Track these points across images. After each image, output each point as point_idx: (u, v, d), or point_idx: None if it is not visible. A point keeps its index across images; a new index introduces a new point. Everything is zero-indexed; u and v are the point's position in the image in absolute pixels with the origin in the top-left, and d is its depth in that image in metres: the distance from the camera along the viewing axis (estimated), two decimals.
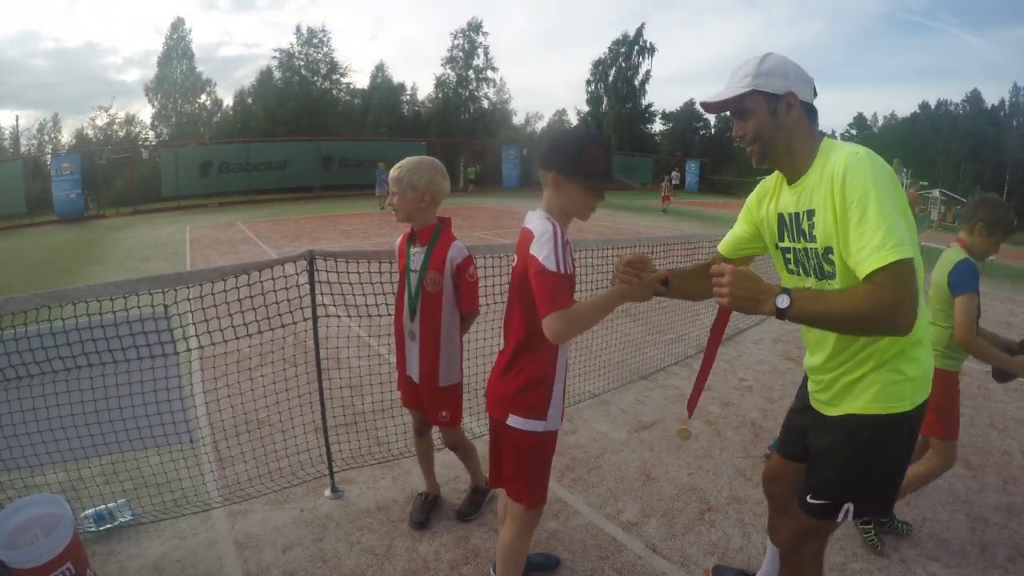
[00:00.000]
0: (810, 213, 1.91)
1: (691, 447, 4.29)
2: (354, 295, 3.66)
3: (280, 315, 3.44)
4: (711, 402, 5.15)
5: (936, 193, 24.77)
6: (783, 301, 1.70)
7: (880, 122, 68.80)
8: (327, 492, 3.51)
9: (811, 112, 1.95)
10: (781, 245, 2.11)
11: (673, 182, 38.01)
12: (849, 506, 2.02)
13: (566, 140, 2.10)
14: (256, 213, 20.61)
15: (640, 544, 3.19)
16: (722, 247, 2.43)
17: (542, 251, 2.00)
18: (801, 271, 2.05)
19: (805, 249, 1.99)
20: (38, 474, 3.27)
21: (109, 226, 18.29)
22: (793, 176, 2.00)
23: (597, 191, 2.11)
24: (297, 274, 3.36)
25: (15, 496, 2.87)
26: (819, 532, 2.14)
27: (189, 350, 3.22)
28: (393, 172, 2.85)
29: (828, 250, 1.88)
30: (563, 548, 3.12)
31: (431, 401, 3.04)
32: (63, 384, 2.91)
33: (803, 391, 2.36)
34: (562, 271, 1.98)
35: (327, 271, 3.44)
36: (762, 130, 1.93)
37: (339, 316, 3.62)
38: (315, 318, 3.35)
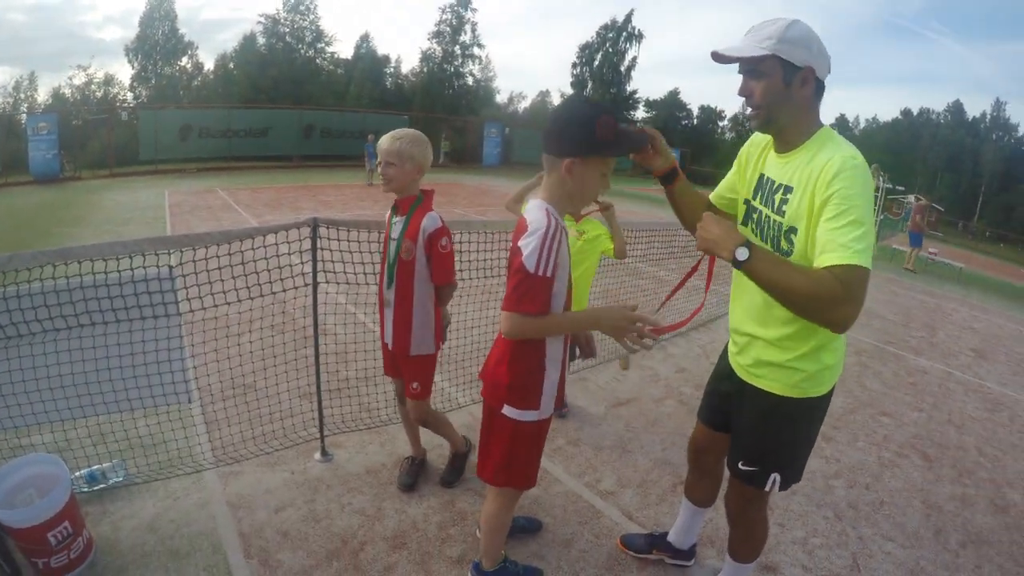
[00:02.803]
0: (787, 189, 1.95)
1: (665, 425, 4.48)
2: (335, 263, 3.69)
3: (271, 282, 3.49)
4: (684, 384, 5.37)
5: (911, 198, 25.26)
6: (742, 254, 1.77)
7: (862, 124, 69.52)
8: (317, 455, 3.61)
9: (820, 90, 1.94)
10: (751, 202, 2.15)
11: None
12: (776, 476, 2.21)
13: (577, 120, 1.99)
14: (236, 180, 20.32)
15: (617, 511, 3.36)
16: (713, 195, 2.45)
17: (527, 247, 2.00)
18: (759, 233, 2.10)
19: (769, 218, 2.03)
20: (34, 433, 3.30)
21: (86, 188, 17.89)
22: (783, 147, 2.01)
23: (605, 177, 2.08)
24: (300, 240, 3.41)
25: (5, 458, 2.91)
26: (759, 499, 2.35)
27: (192, 311, 3.28)
28: (391, 144, 2.85)
29: (792, 230, 1.92)
30: (545, 513, 3.27)
31: (404, 369, 3.14)
32: (64, 343, 2.93)
33: (723, 356, 2.49)
34: (539, 273, 1.98)
35: (327, 238, 3.50)
36: (771, 97, 1.90)
37: (331, 283, 3.69)
38: (315, 285, 3.43)
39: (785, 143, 2.01)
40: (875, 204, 17.53)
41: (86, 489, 3.14)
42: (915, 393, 5.92)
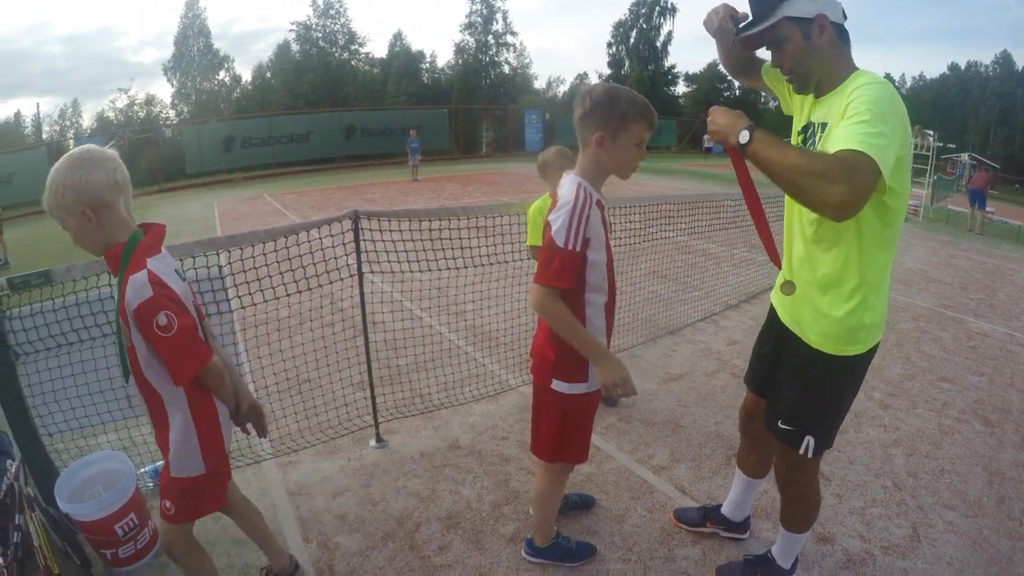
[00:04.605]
0: (823, 126, 2.00)
1: (718, 398, 4.45)
2: (379, 252, 3.79)
3: (317, 275, 3.59)
4: (736, 356, 5.30)
5: (965, 157, 24.32)
6: (744, 137, 1.83)
7: (908, 83, 67.00)
8: (372, 442, 3.70)
9: (843, 33, 1.98)
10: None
11: (705, 145, 37.18)
12: (810, 440, 2.20)
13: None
14: (281, 185, 20.76)
15: (670, 486, 3.36)
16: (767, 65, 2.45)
17: (556, 221, 2.04)
18: None
19: None
20: (99, 434, 3.46)
21: (137, 205, 17.89)
22: (820, 91, 2.06)
23: (641, 147, 2.10)
24: (343, 233, 3.50)
25: (71, 460, 3.02)
26: (806, 465, 2.31)
27: (243, 308, 3.39)
28: (44, 196, 1.86)
29: None
30: (598, 489, 3.30)
31: (161, 484, 2.12)
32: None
33: (768, 317, 2.51)
34: (568, 247, 2.01)
35: (369, 229, 3.57)
36: (799, 56, 1.98)
37: (379, 271, 3.77)
38: (360, 274, 3.50)
39: (822, 88, 2.05)
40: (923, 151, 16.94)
41: (151, 484, 3.26)
42: (976, 357, 5.73)
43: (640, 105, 2.04)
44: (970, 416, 4.42)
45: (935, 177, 17.70)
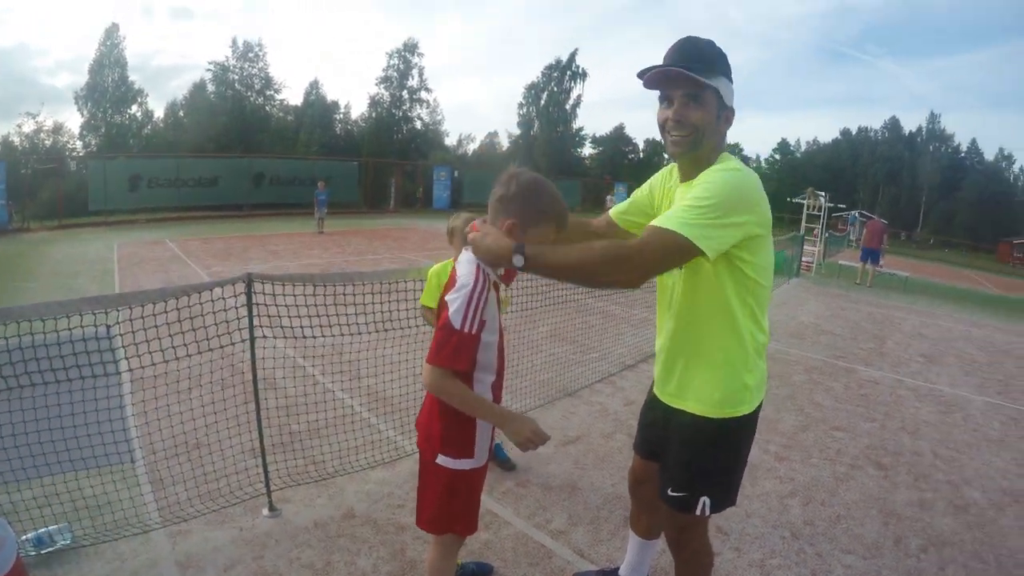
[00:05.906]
0: None
1: (615, 460, 4.48)
2: (288, 317, 3.73)
3: (209, 339, 3.45)
4: (633, 417, 5.18)
5: (855, 214, 26.39)
6: (518, 261, 1.85)
7: (803, 147, 71.54)
8: (265, 511, 3.55)
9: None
10: None
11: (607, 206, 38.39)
12: (705, 500, 2.22)
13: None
14: (185, 231, 20.01)
15: (568, 550, 3.35)
16: (614, 211, 2.53)
17: (454, 303, 1.99)
18: None
19: None
20: None
21: (35, 240, 17.52)
22: (688, 176, 2.08)
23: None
24: (236, 296, 3.40)
25: None
26: (696, 525, 2.35)
27: (130, 370, 3.23)
28: None
29: None
30: (495, 557, 3.25)
31: None
32: (4, 404, 2.87)
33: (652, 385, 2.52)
34: (465, 330, 1.97)
35: (263, 293, 3.46)
36: (705, 126, 1.98)
37: (272, 337, 3.67)
38: (252, 340, 3.40)
39: (693, 172, 2.06)
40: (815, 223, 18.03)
41: (33, 553, 3.04)
42: (867, 404, 6.04)
43: (559, 207, 2.06)
44: (863, 462, 4.63)
45: (827, 234, 18.87)
